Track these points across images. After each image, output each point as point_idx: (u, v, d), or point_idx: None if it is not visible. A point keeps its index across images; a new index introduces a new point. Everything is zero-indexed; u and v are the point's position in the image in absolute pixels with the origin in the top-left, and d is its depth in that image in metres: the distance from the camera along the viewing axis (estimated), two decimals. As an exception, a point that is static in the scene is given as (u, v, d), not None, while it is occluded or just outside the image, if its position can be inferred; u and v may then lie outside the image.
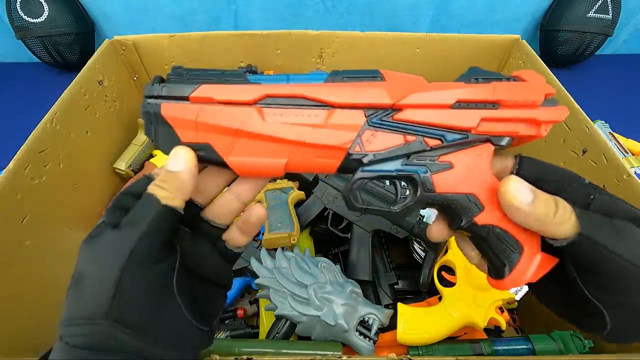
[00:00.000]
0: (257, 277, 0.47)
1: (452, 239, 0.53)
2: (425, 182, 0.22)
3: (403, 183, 0.24)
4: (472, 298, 0.47)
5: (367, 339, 0.43)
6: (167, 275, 0.20)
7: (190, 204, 0.23)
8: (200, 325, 0.21)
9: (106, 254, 0.19)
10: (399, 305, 0.47)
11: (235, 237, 0.25)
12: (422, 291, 0.55)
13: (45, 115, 0.50)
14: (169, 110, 0.22)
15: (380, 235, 0.58)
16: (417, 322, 0.45)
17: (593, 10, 1.02)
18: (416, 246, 0.58)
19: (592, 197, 0.21)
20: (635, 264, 0.19)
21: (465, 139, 0.22)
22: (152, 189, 0.20)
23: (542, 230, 0.20)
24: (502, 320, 0.46)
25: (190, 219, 0.24)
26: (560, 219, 0.20)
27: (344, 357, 0.38)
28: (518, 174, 0.23)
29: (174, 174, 0.21)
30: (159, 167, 0.73)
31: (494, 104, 0.22)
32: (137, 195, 0.21)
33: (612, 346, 0.43)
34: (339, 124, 0.22)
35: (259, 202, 0.59)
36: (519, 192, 0.20)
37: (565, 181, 0.22)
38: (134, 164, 0.68)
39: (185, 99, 0.22)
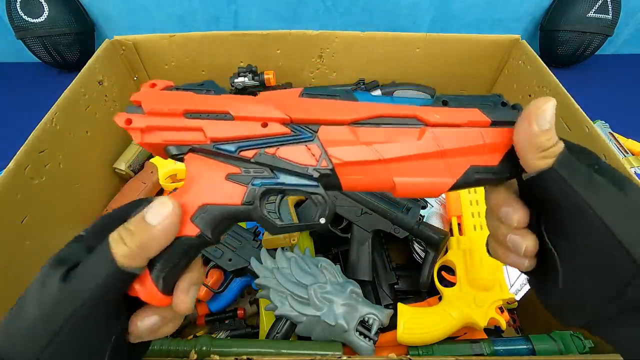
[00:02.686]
0: (257, 277, 0.47)
1: (452, 238, 0.53)
2: None
3: None
4: (472, 298, 0.47)
5: (367, 339, 0.43)
6: (105, 340, 0.19)
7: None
8: None
9: (53, 301, 0.18)
10: (399, 305, 0.47)
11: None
12: (422, 291, 0.55)
13: (45, 115, 0.50)
14: None
15: (380, 235, 0.58)
16: (417, 322, 0.45)
17: (593, 10, 1.02)
18: (416, 246, 0.58)
19: (596, 166, 0.21)
20: (595, 211, 0.19)
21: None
22: (112, 239, 0.19)
23: (531, 155, 0.20)
24: (502, 320, 0.46)
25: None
26: (552, 152, 0.20)
27: (344, 357, 0.39)
28: None
29: (146, 226, 0.19)
30: (158, 168, 0.72)
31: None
32: (120, 220, 0.20)
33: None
34: None
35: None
36: (545, 116, 0.20)
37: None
38: (133, 164, 0.68)
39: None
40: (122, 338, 0.20)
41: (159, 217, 0.19)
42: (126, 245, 0.18)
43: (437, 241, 0.50)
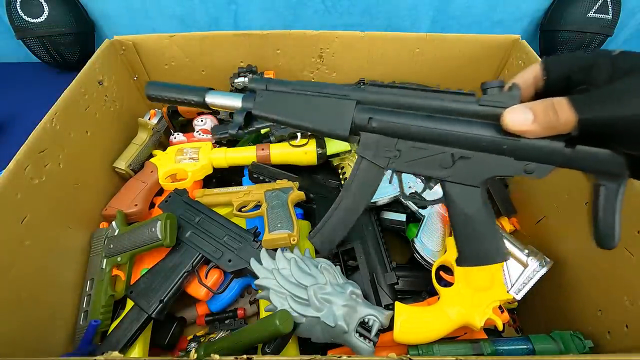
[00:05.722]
0: (256, 277, 0.47)
1: (450, 239, 0.53)
2: None
3: None
4: (469, 298, 0.47)
5: (367, 340, 0.42)
6: None
7: None
8: None
9: None
10: (396, 304, 0.47)
11: None
12: (422, 291, 0.55)
13: (45, 115, 0.50)
14: None
15: (380, 234, 0.58)
16: (413, 321, 0.45)
17: (593, 10, 1.02)
18: (416, 246, 0.58)
19: (613, 71, 0.25)
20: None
21: None
22: None
23: (555, 133, 0.24)
24: (499, 321, 0.46)
25: None
26: (564, 119, 0.23)
27: (344, 357, 0.38)
28: (548, 78, 0.28)
29: None
30: (158, 167, 0.72)
31: None
32: None
33: (612, 346, 0.43)
34: None
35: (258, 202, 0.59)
36: (517, 120, 0.25)
37: (590, 68, 0.26)
38: (133, 163, 0.68)
39: None
40: None
41: None
42: None
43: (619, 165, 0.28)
